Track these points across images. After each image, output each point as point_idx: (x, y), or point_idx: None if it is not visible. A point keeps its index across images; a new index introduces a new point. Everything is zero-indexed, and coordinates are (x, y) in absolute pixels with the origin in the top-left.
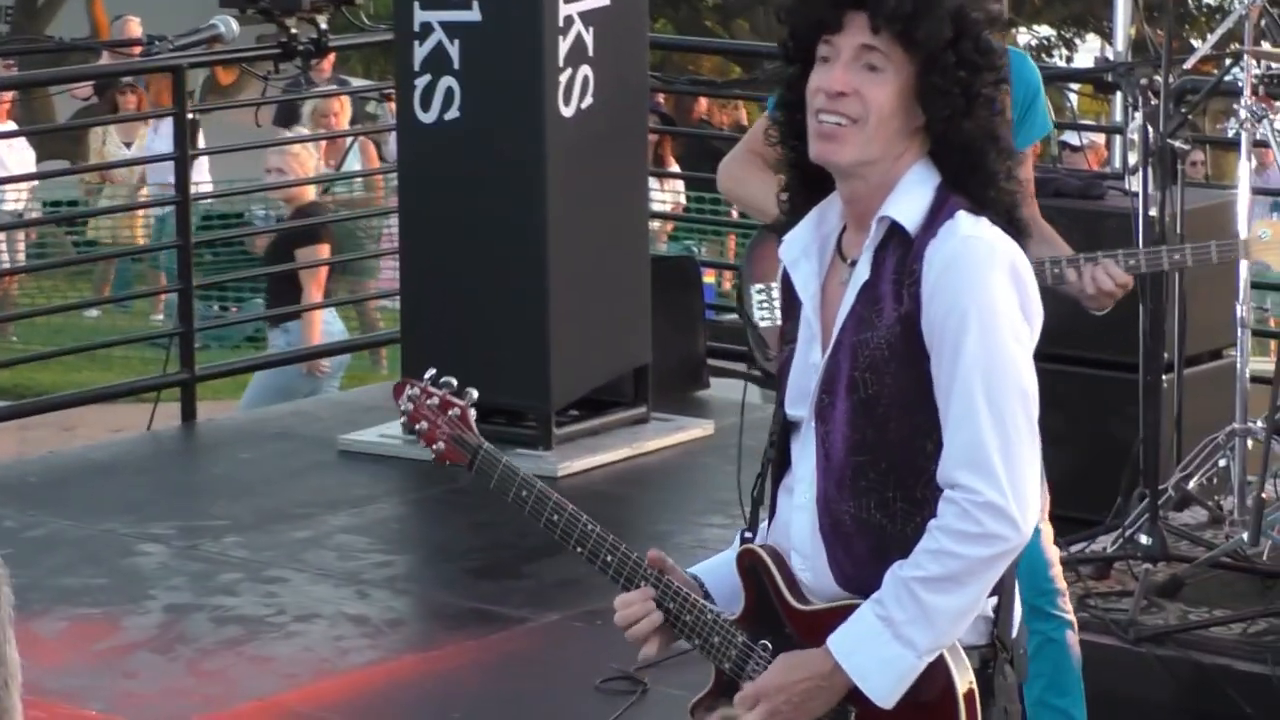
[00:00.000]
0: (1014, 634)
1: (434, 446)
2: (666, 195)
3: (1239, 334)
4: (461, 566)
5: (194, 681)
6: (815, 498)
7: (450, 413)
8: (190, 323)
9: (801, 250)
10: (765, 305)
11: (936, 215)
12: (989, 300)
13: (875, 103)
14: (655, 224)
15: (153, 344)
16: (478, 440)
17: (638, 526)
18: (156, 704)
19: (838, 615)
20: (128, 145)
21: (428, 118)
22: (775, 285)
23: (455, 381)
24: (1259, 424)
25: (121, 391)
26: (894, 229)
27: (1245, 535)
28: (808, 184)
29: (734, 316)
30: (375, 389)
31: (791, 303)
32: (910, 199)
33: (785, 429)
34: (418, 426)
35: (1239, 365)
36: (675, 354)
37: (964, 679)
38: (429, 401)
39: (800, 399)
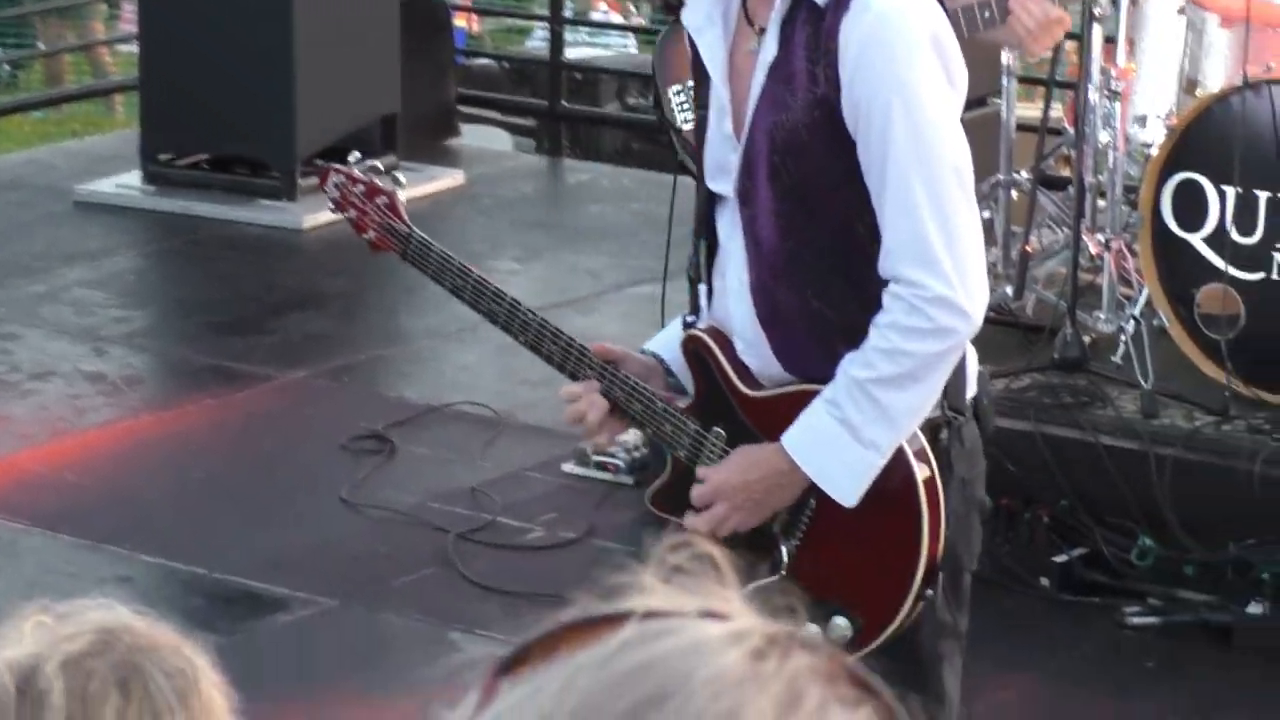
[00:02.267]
0: (971, 393)
1: (365, 236)
2: None
3: (1005, 82)
4: (203, 321)
5: None
6: (749, 285)
7: (378, 200)
8: None
9: (705, 16)
10: (686, 107)
11: None
12: (913, 81)
13: None
14: None
15: None
16: (408, 228)
17: (387, 278)
18: None
19: (790, 402)
20: None
21: None
22: (691, 84)
23: (380, 165)
24: (1024, 174)
25: None
26: (804, 1)
27: (1009, 289)
28: None
29: (486, 61)
30: (112, 138)
31: (700, 69)
32: None
33: (710, 202)
34: (347, 215)
35: (1004, 113)
36: (424, 101)
37: (922, 468)
38: (355, 189)
39: (719, 173)
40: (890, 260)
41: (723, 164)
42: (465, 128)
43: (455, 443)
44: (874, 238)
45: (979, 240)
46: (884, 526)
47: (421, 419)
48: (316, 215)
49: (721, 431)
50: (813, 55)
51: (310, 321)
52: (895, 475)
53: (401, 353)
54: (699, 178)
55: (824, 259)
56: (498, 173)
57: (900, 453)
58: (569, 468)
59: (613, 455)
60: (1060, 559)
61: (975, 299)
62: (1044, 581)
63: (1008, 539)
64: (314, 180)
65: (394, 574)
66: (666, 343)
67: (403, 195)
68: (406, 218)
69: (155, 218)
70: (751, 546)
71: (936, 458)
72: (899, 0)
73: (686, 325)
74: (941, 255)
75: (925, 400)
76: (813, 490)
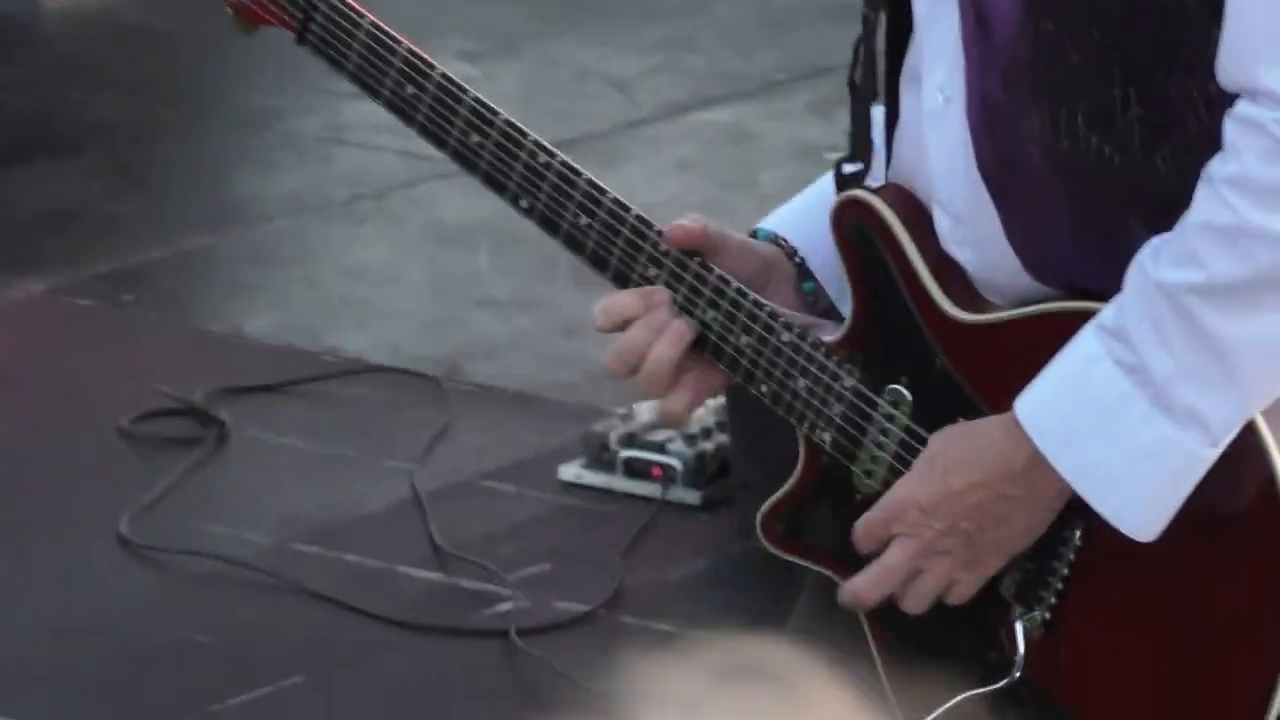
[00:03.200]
0: None
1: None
2: None
3: None
4: None
5: None
6: (964, 101)
7: None
8: None
9: None
10: None
11: None
12: None
13: None
14: None
15: None
16: None
17: (203, 99)
18: None
19: (1038, 335)
20: None
21: None
22: None
23: None
24: None
25: None
26: None
27: None
28: None
29: None
30: None
31: None
32: None
33: None
34: None
35: None
36: None
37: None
38: None
39: None
40: (1240, 58)
41: None
42: None
43: (344, 423)
44: (1214, 16)
45: None
46: (1216, 585)
47: (278, 376)
48: None
49: (904, 391)
50: None
51: (53, 181)
52: (1245, 482)
53: (238, 246)
54: None
55: (1113, 51)
56: None
57: (1252, 439)
58: (572, 472)
59: (660, 446)
60: None
61: None
62: None
63: None
64: None
65: (224, 687)
66: (800, 218)
67: None
68: None
69: None
70: (965, 619)
71: None
72: None
73: (842, 179)
74: None
75: None
76: (1079, 508)
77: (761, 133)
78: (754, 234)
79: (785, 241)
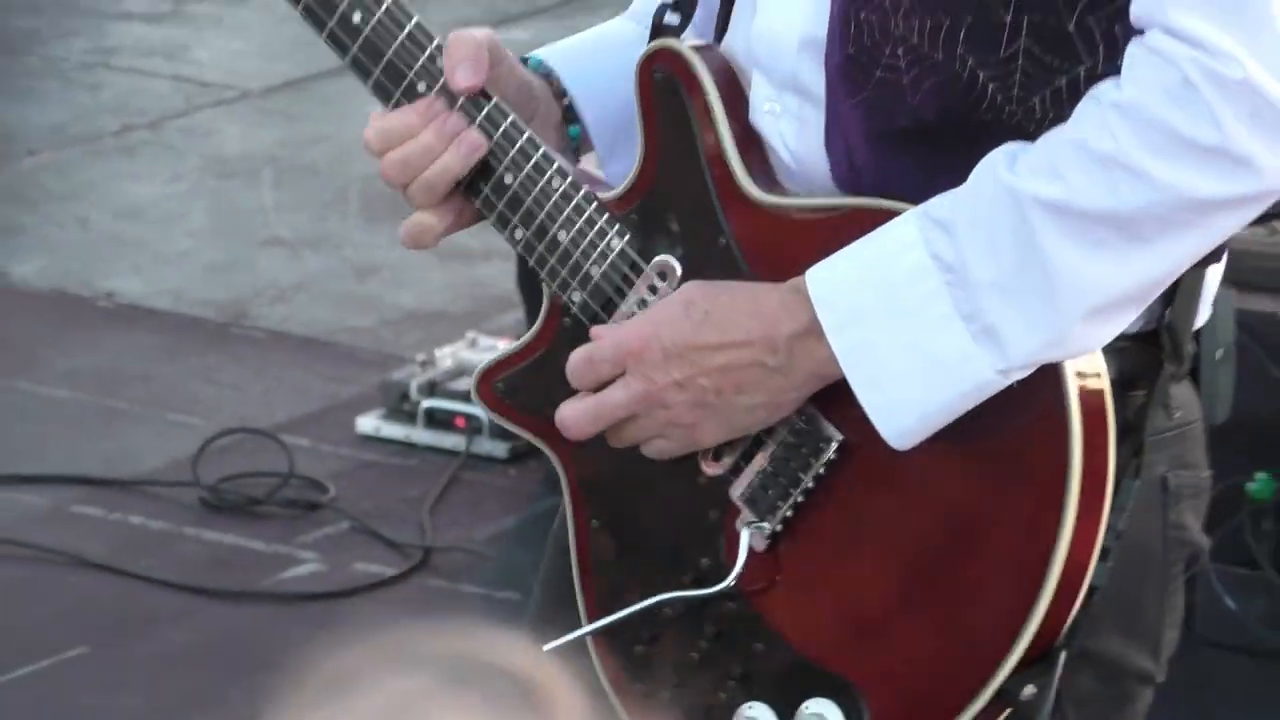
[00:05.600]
0: (1199, 322)
1: None
2: None
3: None
4: None
5: None
6: None
7: None
8: None
9: None
10: None
11: None
12: None
13: None
14: None
15: None
16: None
17: None
18: None
19: (846, 226)
20: None
21: None
22: None
23: None
24: None
25: None
26: None
27: None
28: None
29: None
30: None
31: None
32: None
33: None
34: None
35: None
36: None
37: (1091, 420)
38: None
39: None
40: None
41: None
42: None
43: (122, 374)
44: None
45: None
46: (969, 521)
47: (48, 324)
48: None
49: (675, 264)
50: None
51: None
52: (1022, 415)
53: (4, 184)
54: None
55: None
56: None
57: (1051, 375)
58: (370, 425)
59: (464, 395)
60: None
61: None
62: None
63: None
64: None
65: (4, 660)
66: (577, 58)
67: None
68: None
69: None
70: (677, 509)
71: (1119, 424)
72: None
73: (659, 28)
74: (1273, 14)
75: (1137, 291)
76: (841, 407)
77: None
78: (524, 60)
79: (556, 78)
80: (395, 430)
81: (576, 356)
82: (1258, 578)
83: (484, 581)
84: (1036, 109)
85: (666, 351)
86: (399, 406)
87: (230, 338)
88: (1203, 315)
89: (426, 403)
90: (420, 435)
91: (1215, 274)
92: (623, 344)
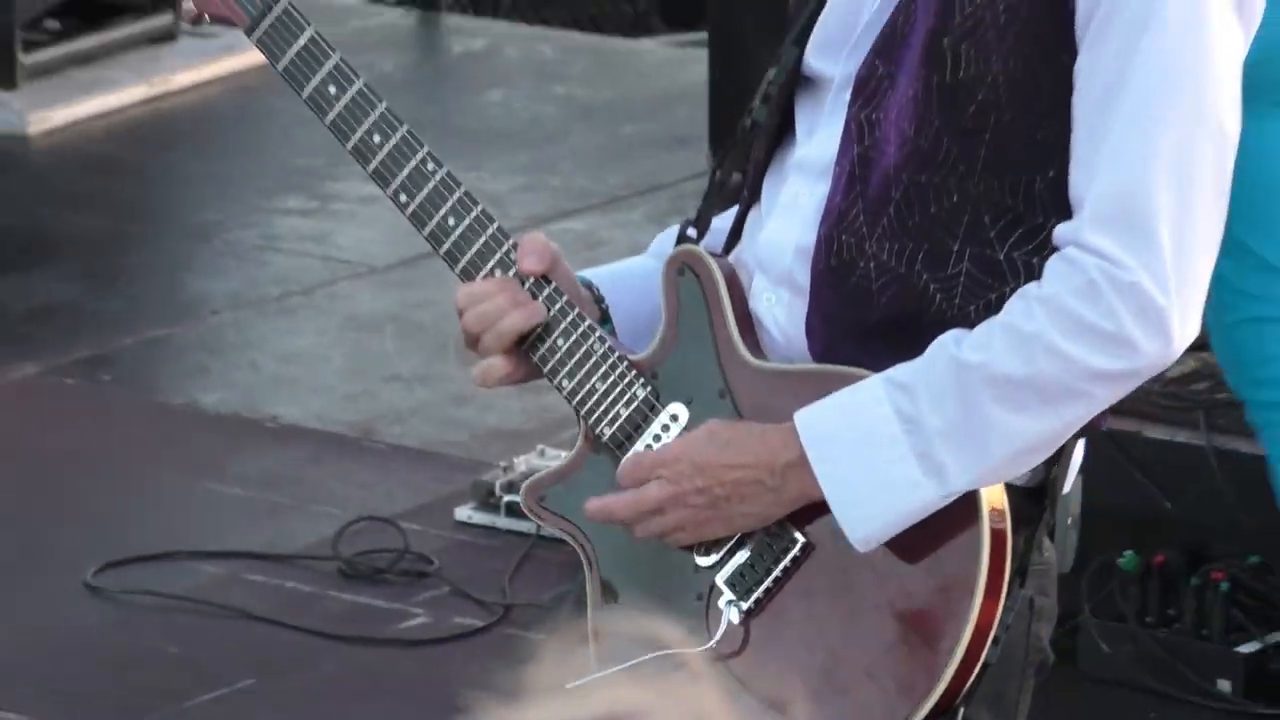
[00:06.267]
0: (1067, 487)
1: None
2: None
3: None
4: None
5: None
6: (822, 212)
7: None
8: None
9: None
10: None
11: None
12: None
13: None
14: None
15: None
16: None
17: (164, 215)
18: None
19: (818, 384)
20: None
21: None
22: None
23: None
24: None
25: None
26: None
27: None
28: None
29: None
30: None
31: None
32: None
33: (792, 80)
34: None
35: None
36: None
37: (996, 540)
38: None
39: (831, 44)
40: (1080, 223)
41: (842, 30)
42: None
43: (281, 476)
44: (1056, 198)
45: (1214, 251)
46: (903, 601)
47: (227, 439)
48: (49, 113)
49: (684, 409)
50: None
51: (41, 284)
52: (950, 526)
53: (192, 334)
54: (790, 39)
55: (964, 212)
56: (340, 38)
57: (972, 499)
58: (466, 513)
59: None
60: (1248, 649)
61: (1185, 322)
62: (1223, 685)
63: (1166, 617)
64: (43, 56)
65: (187, 689)
66: (614, 278)
67: None
68: None
69: None
70: (673, 591)
71: (1013, 548)
72: None
73: (684, 239)
74: (1164, 236)
75: (1041, 441)
76: (807, 520)
77: (609, 239)
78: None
79: (596, 289)
80: (483, 518)
81: (628, 461)
82: (1125, 629)
83: (549, 630)
84: (972, 314)
85: (695, 465)
86: (486, 500)
87: (362, 449)
88: (1069, 484)
89: (507, 497)
90: (502, 521)
91: (1079, 451)
92: (662, 457)
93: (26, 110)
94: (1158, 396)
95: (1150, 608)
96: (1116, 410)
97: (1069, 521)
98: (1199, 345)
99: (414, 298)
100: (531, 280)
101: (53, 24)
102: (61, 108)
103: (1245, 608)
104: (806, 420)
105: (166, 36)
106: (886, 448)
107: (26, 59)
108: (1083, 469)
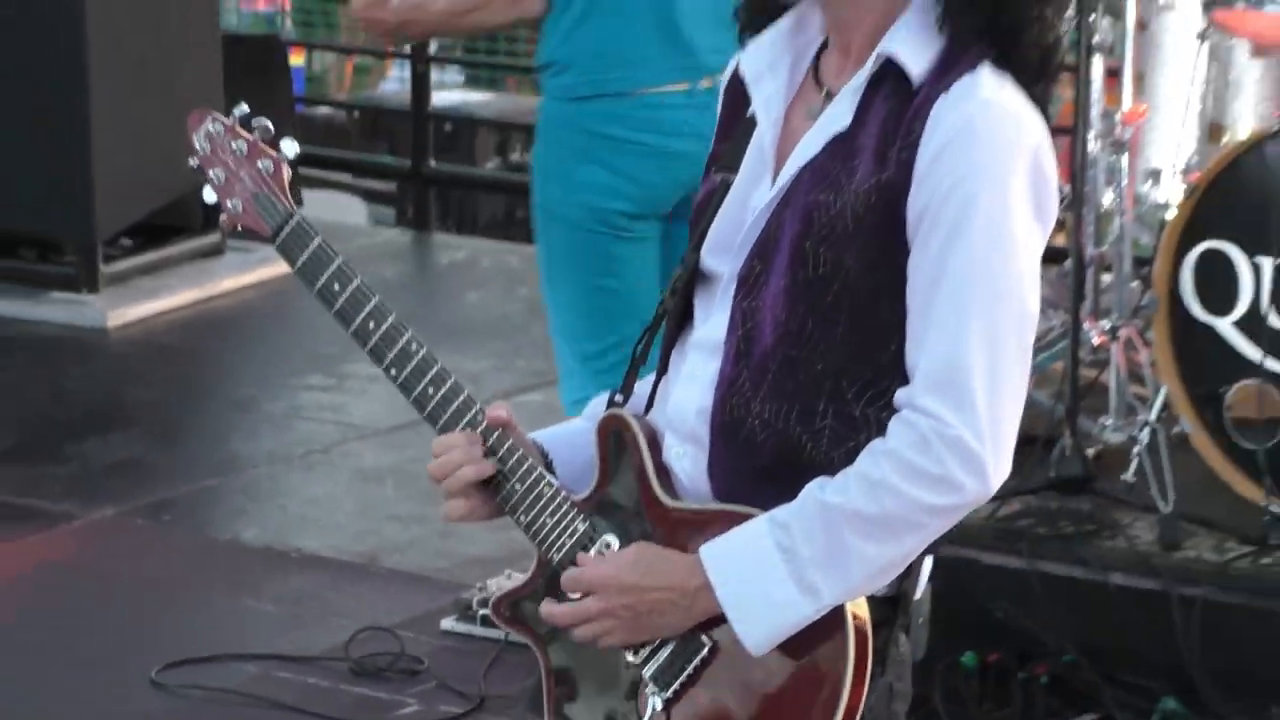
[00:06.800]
0: (918, 595)
1: (227, 204)
2: None
3: None
4: None
5: None
6: (716, 381)
7: (260, 164)
8: None
9: (768, 64)
10: None
11: (951, 65)
12: (1004, 190)
13: None
14: None
15: None
16: (289, 206)
17: (213, 390)
18: None
19: (718, 522)
20: None
21: None
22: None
23: (271, 126)
24: None
25: None
26: (891, 71)
27: None
28: None
29: (332, 110)
30: None
31: (733, 120)
32: (918, 38)
33: (693, 277)
34: (212, 173)
35: None
36: None
37: (856, 640)
38: (234, 144)
39: (722, 249)
40: (914, 389)
41: (729, 236)
42: (307, 194)
43: (305, 596)
44: (897, 366)
45: (1020, 407)
46: (789, 689)
47: (263, 566)
48: (124, 311)
49: (614, 539)
50: (888, 134)
51: (117, 445)
52: (818, 640)
53: (235, 483)
54: (691, 245)
55: (826, 379)
56: (349, 252)
57: (840, 611)
58: (450, 624)
59: None
60: None
61: (999, 465)
62: None
63: (996, 705)
64: (119, 267)
65: None
66: (555, 437)
67: (289, 171)
68: (289, 194)
69: None
70: (609, 682)
71: (874, 646)
72: (1011, 98)
73: (612, 404)
74: (979, 398)
75: (895, 561)
76: (712, 628)
77: (559, 408)
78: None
79: (542, 447)
80: (464, 627)
81: (569, 576)
82: (967, 712)
83: (516, 717)
84: (836, 460)
85: (621, 586)
86: (466, 613)
87: (368, 573)
88: (919, 592)
89: (482, 611)
90: (478, 630)
91: (928, 564)
92: (597, 577)
93: (106, 309)
94: (992, 532)
95: (987, 696)
96: (963, 542)
97: (920, 621)
98: (1025, 490)
99: (409, 454)
100: (497, 433)
101: (126, 241)
102: (133, 307)
103: (1063, 695)
104: (709, 552)
105: (215, 251)
106: (771, 573)
107: (106, 269)
108: (932, 579)
